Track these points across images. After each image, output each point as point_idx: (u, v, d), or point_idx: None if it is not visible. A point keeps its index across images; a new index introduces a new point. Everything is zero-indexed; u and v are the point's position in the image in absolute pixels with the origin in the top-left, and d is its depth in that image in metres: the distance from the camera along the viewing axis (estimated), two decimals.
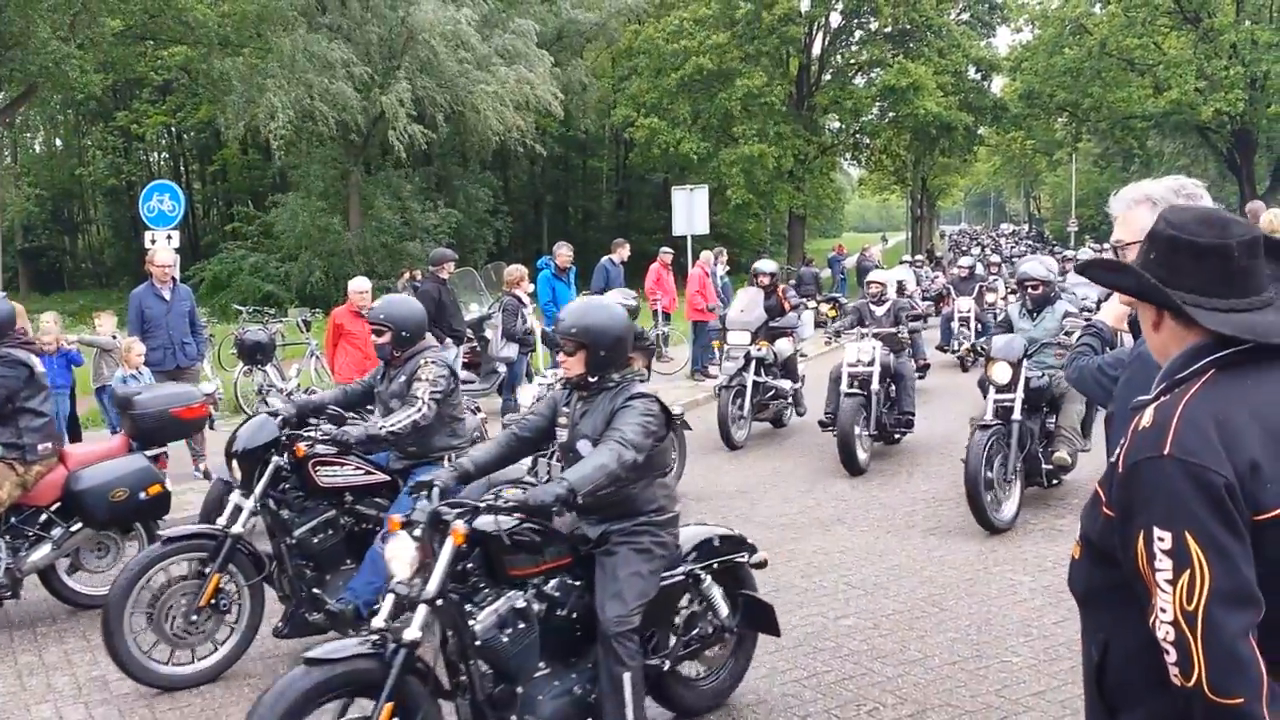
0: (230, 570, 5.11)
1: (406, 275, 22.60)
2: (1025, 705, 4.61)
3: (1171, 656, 1.65)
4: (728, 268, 18.80)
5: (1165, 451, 1.69)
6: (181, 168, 48.75)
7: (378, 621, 3.52)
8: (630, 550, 3.93)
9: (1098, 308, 7.96)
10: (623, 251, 14.10)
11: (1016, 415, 7.51)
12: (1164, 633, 1.65)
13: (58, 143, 49.14)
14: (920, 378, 12.85)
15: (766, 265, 12.19)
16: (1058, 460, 7.73)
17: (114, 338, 10.51)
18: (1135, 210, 2.63)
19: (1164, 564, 1.65)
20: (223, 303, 27.30)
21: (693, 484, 9.07)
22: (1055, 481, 8.06)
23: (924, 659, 5.20)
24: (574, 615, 3.91)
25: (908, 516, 8.02)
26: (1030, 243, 55.81)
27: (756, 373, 10.82)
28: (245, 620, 5.22)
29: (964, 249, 47.46)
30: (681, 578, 4.28)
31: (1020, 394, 7.58)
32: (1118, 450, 1.84)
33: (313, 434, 5.22)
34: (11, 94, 28.03)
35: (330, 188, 33.97)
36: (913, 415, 10.21)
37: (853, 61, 42.67)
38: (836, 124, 43.15)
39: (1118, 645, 1.83)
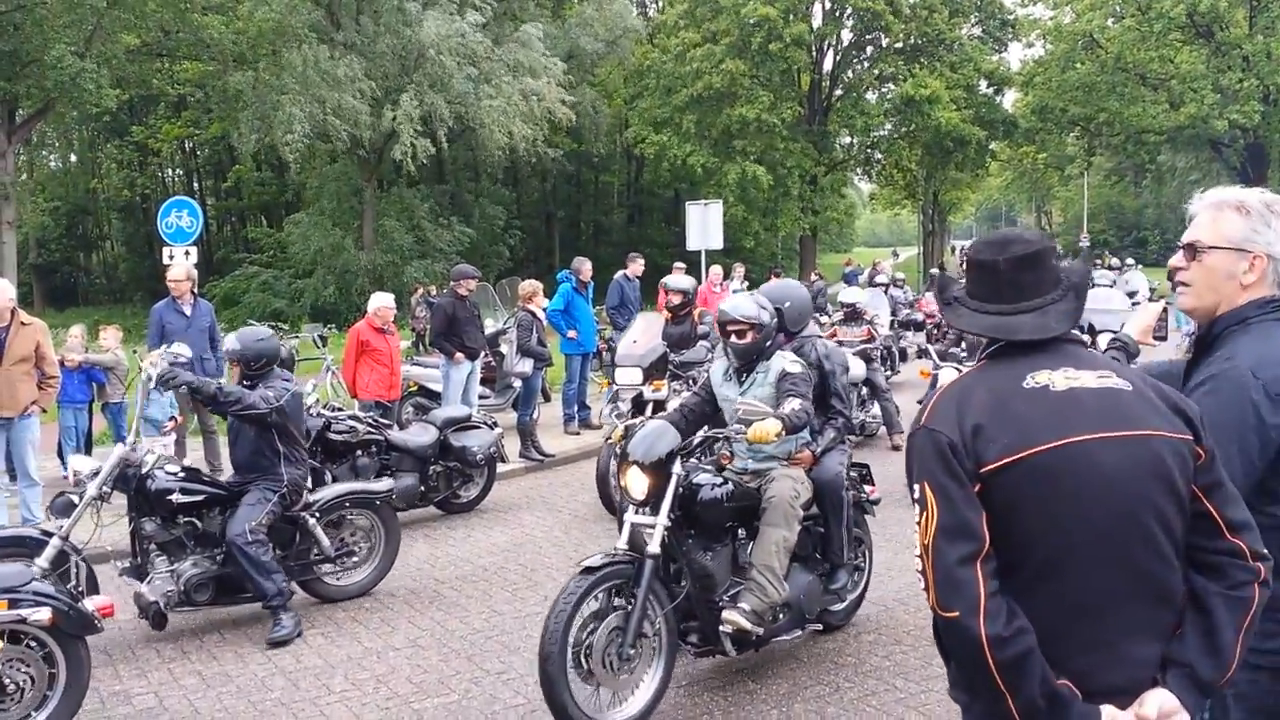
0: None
1: (420, 291, 22.76)
2: None
3: (922, 583, 2.03)
4: (746, 283, 18.74)
5: (920, 424, 2.13)
6: (195, 183, 49.03)
7: None
8: None
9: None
10: (637, 266, 14.06)
11: (654, 548, 4.64)
12: (917, 565, 2.05)
13: (72, 158, 49.49)
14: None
15: (678, 281, 10.24)
16: (729, 621, 4.85)
17: (117, 354, 10.58)
18: (1225, 214, 2.51)
19: (916, 510, 2.05)
20: (236, 318, 27.40)
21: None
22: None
23: (946, 675, 5.16)
24: None
25: None
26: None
27: (654, 418, 8.83)
28: None
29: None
30: None
31: (664, 518, 4.70)
32: None
33: None
34: (28, 110, 28.25)
35: (343, 205, 34.11)
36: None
37: (864, 77, 42.75)
38: (848, 139, 43.19)
39: None
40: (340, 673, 5.48)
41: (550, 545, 7.94)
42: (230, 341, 6.42)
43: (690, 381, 8.33)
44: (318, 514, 6.52)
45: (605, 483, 8.24)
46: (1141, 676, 2.03)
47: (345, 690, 5.24)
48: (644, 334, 9.38)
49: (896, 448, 10.33)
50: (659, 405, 8.32)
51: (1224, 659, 2.03)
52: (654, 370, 8.88)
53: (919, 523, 2.02)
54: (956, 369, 9.06)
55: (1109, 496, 1.99)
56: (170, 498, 6.00)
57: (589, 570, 4.60)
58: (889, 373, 13.66)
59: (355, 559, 6.80)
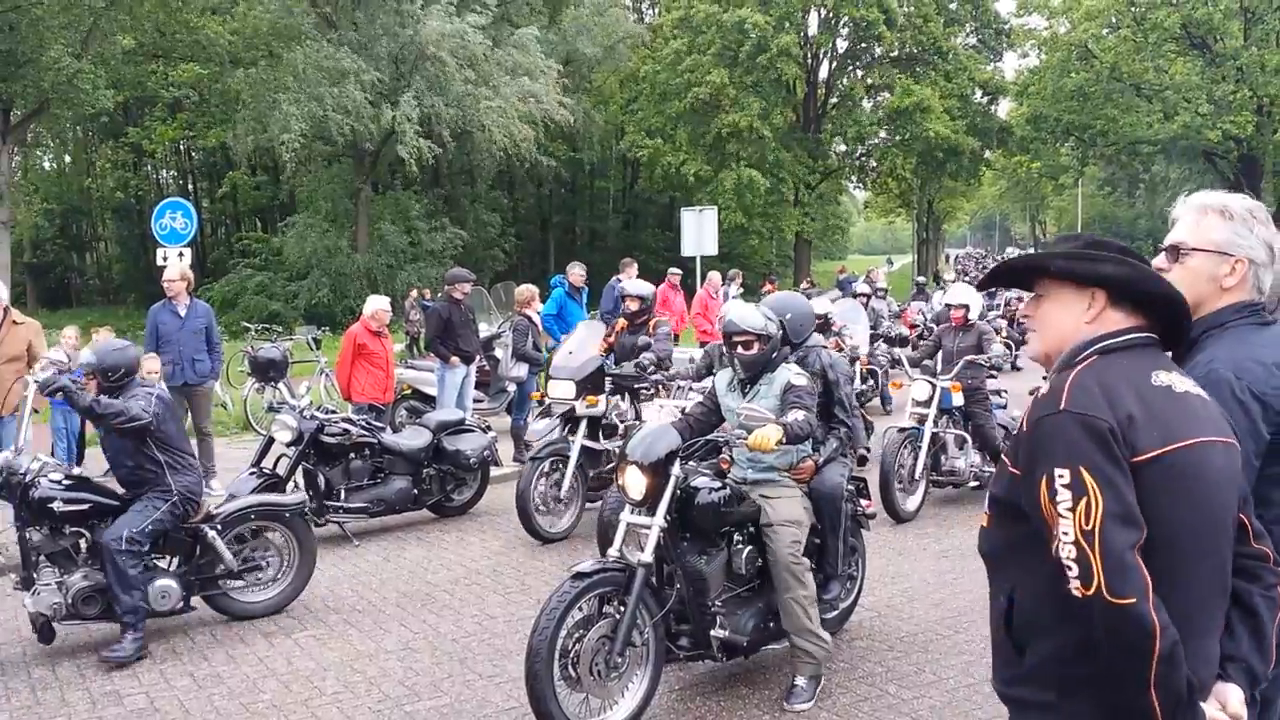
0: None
1: (414, 294, 22.76)
2: None
3: (1074, 571, 1.96)
4: (741, 289, 18.75)
5: (1061, 408, 2.06)
6: (190, 185, 48.96)
7: None
8: None
9: None
10: (631, 271, 14.07)
11: (649, 551, 4.58)
12: (1066, 552, 1.97)
13: (67, 159, 49.42)
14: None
15: (636, 286, 9.41)
16: (800, 690, 4.97)
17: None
18: (1208, 217, 2.57)
19: (1064, 496, 1.98)
20: (231, 321, 27.36)
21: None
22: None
23: (939, 681, 5.18)
24: None
25: (919, 539, 8.01)
26: None
27: (590, 436, 8.02)
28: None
29: (966, 273, 41.96)
30: None
31: (660, 519, 4.62)
32: (1022, 418, 2.22)
33: None
34: (23, 110, 28.23)
35: (338, 207, 34.11)
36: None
37: (858, 86, 42.88)
38: (843, 147, 43.32)
39: (1024, 590, 2.15)
40: (332, 675, 5.47)
41: (543, 549, 7.93)
42: (86, 355, 6.09)
43: (638, 394, 7.98)
44: (219, 527, 6.22)
45: (526, 503, 7.80)
46: (1213, 672, 2.11)
47: (337, 692, 5.24)
48: (582, 344, 8.49)
49: (863, 460, 10.09)
50: (594, 421, 7.99)
51: (1269, 656, 2.18)
52: (589, 384, 8.10)
53: (1072, 509, 1.98)
54: (930, 381, 8.92)
55: (1215, 499, 2.08)
56: (52, 506, 5.72)
57: (580, 576, 4.50)
58: (876, 388, 13.67)
59: (264, 575, 6.47)
